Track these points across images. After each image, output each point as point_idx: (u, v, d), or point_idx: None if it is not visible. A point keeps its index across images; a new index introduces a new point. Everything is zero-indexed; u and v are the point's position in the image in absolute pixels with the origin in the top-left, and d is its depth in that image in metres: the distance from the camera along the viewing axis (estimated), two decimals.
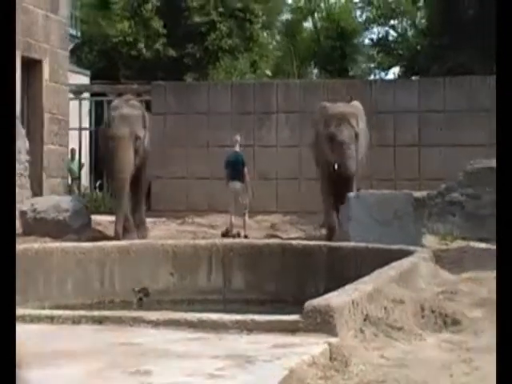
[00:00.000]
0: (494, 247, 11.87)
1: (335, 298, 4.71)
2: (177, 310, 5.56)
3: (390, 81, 23.14)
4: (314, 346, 4.13)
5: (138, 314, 4.81)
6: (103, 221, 13.49)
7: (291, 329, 4.44)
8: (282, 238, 12.63)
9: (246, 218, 14.00)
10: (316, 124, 13.42)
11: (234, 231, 13.86)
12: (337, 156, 12.55)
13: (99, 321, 4.58)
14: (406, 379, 3.65)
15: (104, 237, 11.93)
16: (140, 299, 8.11)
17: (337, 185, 12.78)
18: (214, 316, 4.71)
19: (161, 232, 13.94)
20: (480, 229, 13.20)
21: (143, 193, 13.69)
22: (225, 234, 13.80)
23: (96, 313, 4.91)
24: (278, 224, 16.18)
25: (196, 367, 3.65)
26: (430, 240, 11.55)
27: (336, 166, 12.52)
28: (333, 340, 4.29)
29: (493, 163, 13.86)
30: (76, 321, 4.66)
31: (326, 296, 4.79)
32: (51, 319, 4.73)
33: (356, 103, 13.79)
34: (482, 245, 12.19)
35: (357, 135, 12.81)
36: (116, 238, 11.59)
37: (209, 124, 19.08)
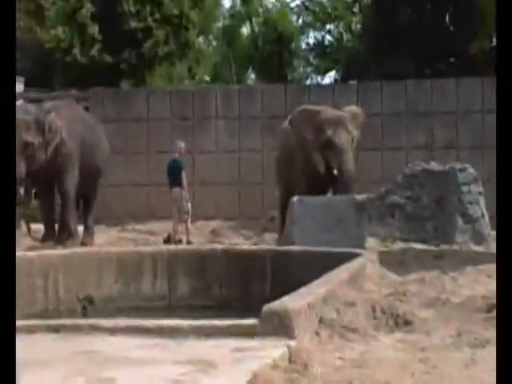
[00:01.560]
0: (435, 248, 12.12)
1: (291, 302, 4.72)
2: (122, 318, 5.50)
3: (327, 85, 23.34)
4: (274, 349, 4.14)
5: (95, 322, 4.75)
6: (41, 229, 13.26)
7: (249, 333, 4.44)
8: (224, 244, 12.61)
9: (189, 224, 13.95)
10: (299, 129, 12.66)
11: (177, 237, 13.79)
12: (336, 162, 12.19)
13: (56, 329, 4.50)
14: (371, 379, 3.69)
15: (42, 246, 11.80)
16: (84, 307, 8.00)
17: (323, 192, 12.41)
18: (172, 322, 4.69)
19: (101, 240, 13.79)
20: (420, 230, 13.43)
21: (70, 201, 12.90)
22: (167, 241, 13.73)
23: (53, 321, 4.83)
24: (219, 229, 16.19)
25: (158, 373, 3.62)
26: (371, 243, 11.68)
27: (335, 172, 12.20)
28: (291, 343, 4.31)
29: (430, 165, 14.15)
30: (31, 330, 4.58)
31: (283, 299, 4.80)
32: None
33: (354, 108, 13.35)
34: (422, 246, 12.43)
35: (352, 140, 12.53)
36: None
37: (148, 130, 19.00)
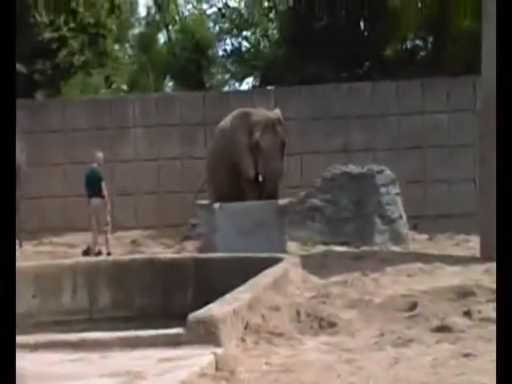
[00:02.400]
0: (354, 250, 12.30)
1: (217, 309, 4.72)
2: (42, 333, 5.39)
3: (246, 91, 23.44)
4: (201, 357, 4.13)
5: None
6: None
7: (175, 342, 4.41)
8: (145, 253, 12.51)
9: (108, 235, 13.77)
10: (236, 131, 12.21)
11: (96, 249, 13.61)
12: (262, 166, 11.88)
13: None
14: (299, 382, 3.70)
15: None
16: None
17: (256, 196, 11.97)
18: (95, 335, 4.62)
19: (16, 254, 13.47)
20: (340, 233, 13.60)
21: None
22: (86, 253, 13.52)
23: None
24: (139, 239, 16.07)
25: None
26: (292, 247, 11.77)
27: (260, 178, 11.92)
28: (217, 350, 4.30)
29: (349, 168, 14.35)
30: None
31: (208, 307, 4.79)
32: None
33: (277, 110, 12.79)
34: (342, 248, 12.60)
35: (283, 143, 12.15)
36: None
37: (65, 141, 18.70)
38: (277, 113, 12.50)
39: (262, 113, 12.53)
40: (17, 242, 13.00)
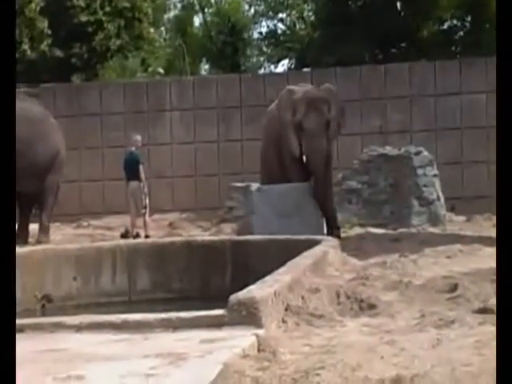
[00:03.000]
0: (392, 232, 12.21)
1: (258, 291, 4.70)
2: (83, 314, 5.42)
3: (281, 73, 23.33)
4: (242, 338, 4.12)
5: (58, 320, 4.67)
6: None
7: (217, 323, 4.41)
8: (183, 236, 12.55)
9: (147, 217, 13.82)
10: (280, 110, 11.92)
11: (135, 232, 13.68)
12: (305, 148, 11.52)
13: (19, 329, 4.41)
14: (342, 364, 3.69)
15: None
16: (43, 306, 7.89)
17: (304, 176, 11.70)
18: (138, 316, 4.63)
19: (57, 237, 13.64)
20: (377, 214, 13.55)
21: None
22: (124, 235, 13.61)
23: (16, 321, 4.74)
24: (176, 222, 16.14)
25: (128, 368, 3.57)
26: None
27: (304, 159, 11.60)
28: (259, 331, 4.29)
29: (386, 150, 14.26)
30: None
31: (249, 288, 4.78)
32: None
33: (328, 86, 12.38)
34: (380, 230, 12.54)
35: (328, 123, 11.62)
36: None
37: (102, 125, 18.82)
38: (326, 89, 12.09)
39: (307, 90, 12.09)
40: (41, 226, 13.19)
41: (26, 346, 4.06)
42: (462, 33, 24.79)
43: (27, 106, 12.91)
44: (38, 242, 12.42)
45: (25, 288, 7.73)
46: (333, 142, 12.31)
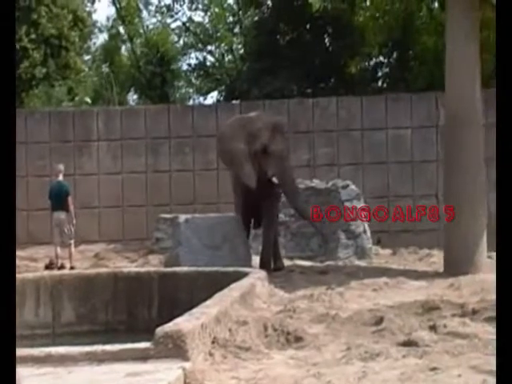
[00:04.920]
0: (319, 264, 12.29)
1: (185, 323, 4.69)
2: None
3: (210, 105, 23.43)
4: (169, 371, 4.10)
5: None
6: None
7: (143, 356, 4.38)
8: (109, 267, 12.40)
9: (72, 248, 13.62)
10: (232, 140, 11.57)
11: (59, 263, 13.45)
12: (276, 169, 11.40)
13: None
14: None
15: None
16: None
17: (260, 204, 11.63)
18: (62, 349, 4.56)
19: None
20: (304, 247, 13.63)
21: None
22: (48, 266, 13.37)
23: None
24: (103, 253, 15.94)
25: None
26: (257, 261, 11.74)
27: (275, 180, 11.49)
28: (186, 364, 4.28)
29: (314, 183, 14.39)
30: None
31: (176, 321, 4.76)
32: None
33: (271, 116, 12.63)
34: (307, 263, 12.61)
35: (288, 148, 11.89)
36: None
37: (26, 154, 18.51)
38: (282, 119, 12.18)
39: (265, 118, 12.21)
40: None
41: None
42: (387, 69, 25.30)
43: None
44: None
45: None
46: None
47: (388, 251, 14.74)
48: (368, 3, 23.28)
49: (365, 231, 13.78)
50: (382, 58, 25.60)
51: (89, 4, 29.05)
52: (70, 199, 13.48)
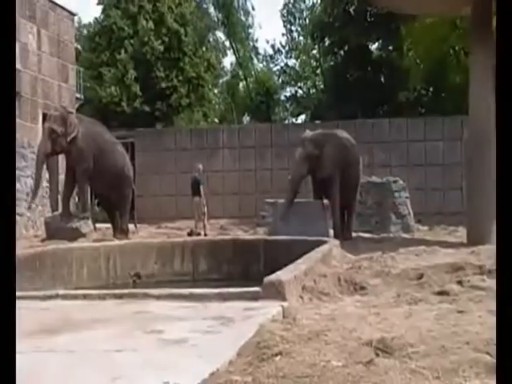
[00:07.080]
0: (376, 236, 12.03)
1: (283, 275, 4.66)
2: (162, 288, 5.39)
3: (300, 124, 23.36)
4: (272, 308, 4.08)
5: (145, 291, 4.67)
6: (102, 227, 13.16)
7: (254, 297, 4.37)
8: (230, 235, 12.51)
9: (205, 222, 13.85)
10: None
11: (197, 232, 13.69)
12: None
13: (120, 296, 4.42)
14: (342, 328, 3.64)
15: (103, 239, 11.58)
16: (134, 281, 7.92)
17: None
18: (201, 290, 4.61)
19: (144, 234, 13.70)
20: (365, 224, 13.41)
21: (81, 186, 11.35)
22: (190, 234, 13.61)
23: (117, 290, 4.75)
24: (226, 225, 16.10)
25: (193, 326, 3.56)
26: (330, 233, 11.57)
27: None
28: (284, 303, 4.25)
29: (372, 178, 14.12)
30: (102, 297, 4.51)
31: (277, 273, 4.72)
32: (84, 296, 4.56)
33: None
34: (368, 235, 12.41)
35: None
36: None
37: (176, 158, 19.02)
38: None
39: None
40: (135, 226, 12.85)
41: (124, 309, 4.07)
42: (426, 98, 24.64)
43: (101, 130, 11.65)
44: (116, 237, 11.22)
45: (122, 268, 7.78)
46: None
47: (426, 228, 14.34)
48: (411, 53, 22.69)
49: (409, 213, 13.46)
50: (422, 91, 24.97)
51: (219, 55, 29.52)
52: (202, 188, 13.68)
